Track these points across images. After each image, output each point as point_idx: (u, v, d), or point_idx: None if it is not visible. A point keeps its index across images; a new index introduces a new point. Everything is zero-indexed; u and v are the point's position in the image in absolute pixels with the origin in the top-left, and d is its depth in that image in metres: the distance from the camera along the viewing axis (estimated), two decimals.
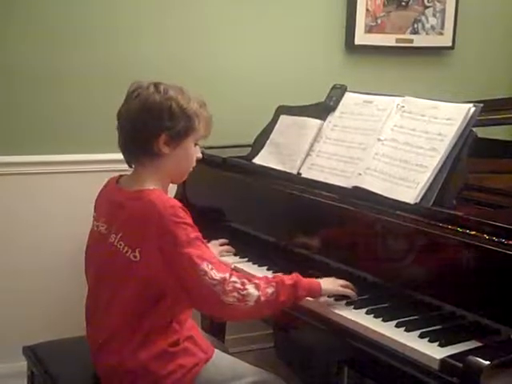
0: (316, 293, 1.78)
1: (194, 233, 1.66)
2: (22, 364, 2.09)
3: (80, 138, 2.74)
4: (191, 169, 1.85)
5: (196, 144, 1.81)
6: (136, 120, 1.72)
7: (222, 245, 2.24)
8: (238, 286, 1.65)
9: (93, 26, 2.70)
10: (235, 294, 1.64)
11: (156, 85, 1.74)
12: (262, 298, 1.67)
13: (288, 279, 1.75)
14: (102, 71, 2.73)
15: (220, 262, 1.71)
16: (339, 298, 1.81)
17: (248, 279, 1.70)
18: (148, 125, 1.71)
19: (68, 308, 2.39)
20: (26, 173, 2.68)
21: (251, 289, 1.67)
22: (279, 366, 2.87)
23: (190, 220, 1.68)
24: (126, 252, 1.67)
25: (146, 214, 1.65)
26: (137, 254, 1.66)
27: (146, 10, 2.78)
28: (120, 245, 1.69)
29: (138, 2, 2.76)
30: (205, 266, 1.62)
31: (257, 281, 1.71)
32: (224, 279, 1.64)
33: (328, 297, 1.81)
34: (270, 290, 1.70)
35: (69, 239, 2.67)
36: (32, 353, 2.02)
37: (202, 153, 2.41)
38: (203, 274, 1.62)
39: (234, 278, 1.66)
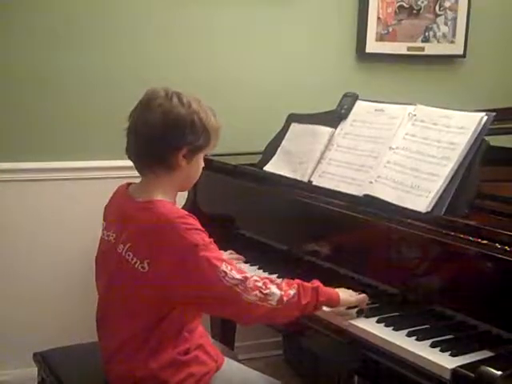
0: (335, 302, 1.77)
1: (208, 238, 1.66)
2: (33, 370, 2.09)
3: (81, 144, 2.73)
4: (197, 178, 1.85)
5: (205, 155, 1.80)
6: (158, 131, 1.68)
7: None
8: (260, 284, 1.65)
9: (95, 31, 2.70)
10: (257, 292, 1.63)
11: (179, 96, 1.71)
12: (285, 299, 1.66)
13: (308, 284, 1.75)
14: (104, 76, 2.72)
15: (236, 265, 1.71)
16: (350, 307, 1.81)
17: (270, 280, 1.69)
18: (171, 138, 1.68)
19: (79, 314, 2.40)
20: (28, 179, 2.68)
21: (273, 288, 1.66)
22: (288, 373, 2.87)
23: (200, 226, 1.67)
24: (135, 263, 1.66)
25: (156, 225, 1.64)
26: (145, 265, 1.65)
27: (151, 15, 2.78)
28: (128, 255, 1.68)
29: (142, 8, 2.76)
30: (224, 267, 1.62)
31: (278, 281, 1.71)
32: (245, 278, 1.63)
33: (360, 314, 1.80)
34: (291, 292, 1.69)
35: (80, 246, 2.67)
36: (42, 359, 2.02)
37: (213, 160, 2.45)
38: (223, 276, 1.61)
39: (255, 277, 1.66)
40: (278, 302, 1.66)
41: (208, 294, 1.64)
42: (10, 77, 2.62)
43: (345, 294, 1.79)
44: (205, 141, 1.73)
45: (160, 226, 1.63)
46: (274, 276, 2.05)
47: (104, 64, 2.72)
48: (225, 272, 1.61)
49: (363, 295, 1.82)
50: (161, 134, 1.68)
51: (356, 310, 1.79)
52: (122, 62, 2.74)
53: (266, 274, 2.08)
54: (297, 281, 1.75)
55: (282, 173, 2.28)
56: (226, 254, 2.21)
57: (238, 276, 1.63)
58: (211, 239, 1.67)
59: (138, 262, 1.66)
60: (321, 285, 1.76)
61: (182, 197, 2.48)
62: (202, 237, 1.63)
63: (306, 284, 1.74)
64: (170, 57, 2.81)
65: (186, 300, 1.67)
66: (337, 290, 1.80)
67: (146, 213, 1.68)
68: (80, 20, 2.67)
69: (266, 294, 1.64)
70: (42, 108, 2.68)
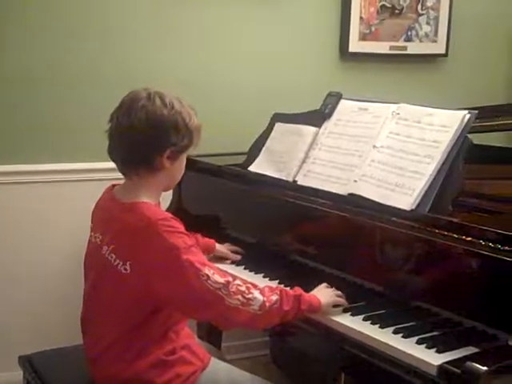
0: (316, 309, 1.77)
1: (190, 241, 1.66)
2: (18, 374, 2.08)
3: (76, 146, 2.73)
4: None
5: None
6: (142, 134, 1.67)
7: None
8: (243, 289, 1.65)
9: (89, 34, 2.70)
10: (239, 296, 1.63)
11: (161, 97, 1.70)
12: (267, 304, 1.67)
13: (291, 291, 1.75)
14: (97, 78, 2.72)
15: (220, 269, 1.70)
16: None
17: (253, 285, 1.70)
18: (155, 140, 1.68)
19: (64, 317, 2.38)
20: (21, 182, 2.67)
21: (256, 293, 1.67)
22: (275, 373, 2.87)
23: (183, 229, 1.67)
24: (118, 264, 1.66)
25: (138, 227, 1.64)
26: (127, 266, 1.64)
27: (141, 17, 2.77)
28: (111, 257, 1.68)
29: (134, 10, 2.76)
30: (206, 270, 1.62)
31: (261, 287, 1.71)
32: (228, 282, 1.63)
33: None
34: (274, 298, 1.69)
35: (65, 249, 2.66)
36: (28, 362, 2.01)
37: (197, 161, 2.45)
38: (206, 279, 1.61)
39: (238, 282, 1.66)
40: (260, 308, 1.66)
41: (190, 297, 1.64)
42: (4, 81, 2.61)
43: (325, 298, 1.79)
44: (188, 141, 1.73)
45: (142, 228, 1.63)
46: (260, 275, 2.06)
47: (92, 66, 2.71)
48: (207, 275, 1.61)
49: (338, 292, 1.83)
50: (145, 137, 1.67)
51: (337, 308, 1.80)
52: (111, 62, 2.74)
53: (252, 274, 2.08)
54: (279, 287, 1.76)
55: (266, 173, 2.28)
56: (224, 247, 2.25)
57: (221, 280, 1.63)
58: (194, 242, 1.68)
59: (121, 264, 1.65)
60: (303, 293, 1.77)
61: (167, 198, 2.49)
62: (183, 240, 1.63)
63: (288, 291, 1.75)
64: (157, 58, 2.80)
65: (167, 302, 1.67)
66: (316, 292, 1.81)
67: (130, 214, 1.67)
68: (71, 21, 2.67)
69: (249, 299, 1.65)
70: (29, 110, 2.66)
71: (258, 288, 1.69)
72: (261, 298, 1.67)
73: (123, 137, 1.70)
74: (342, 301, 1.81)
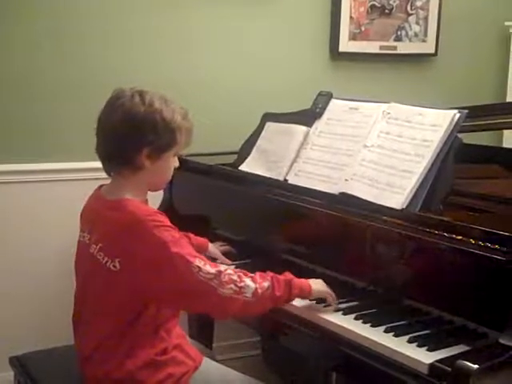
0: (307, 293, 1.79)
1: (177, 233, 1.66)
2: (9, 374, 2.07)
3: (69, 146, 2.72)
4: (170, 178, 1.83)
5: (175, 155, 1.78)
6: (119, 131, 1.67)
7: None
8: (235, 278, 1.66)
9: (82, 36, 2.69)
10: (232, 285, 1.64)
11: (141, 94, 1.69)
12: (259, 291, 1.68)
13: (281, 276, 1.76)
14: (91, 80, 2.71)
15: (210, 260, 1.71)
16: (320, 301, 1.83)
17: (244, 273, 1.71)
18: (131, 138, 1.67)
19: (56, 317, 2.37)
20: (11, 181, 2.66)
21: (248, 281, 1.67)
22: (267, 373, 2.87)
23: (169, 223, 1.67)
24: (106, 262, 1.66)
25: (125, 224, 1.64)
26: (116, 264, 1.64)
27: (139, 21, 2.78)
28: (100, 255, 1.68)
29: (131, 12, 2.76)
30: (197, 262, 1.62)
31: (252, 275, 1.71)
32: (219, 271, 1.64)
33: (317, 302, 1.82)
34: (266, 284, 1.70)
35: (57, 248, 2.65)
36: (19, 363, 2.00)
37: (188, 160, 2.44)
38: (197, 271, 1.61)
39: (229, 271, 1.67)
40: (252, 295, 1.67)
41: (183, 289, 1.64)
42: None
43: (316, 285, 1.81)
44: (169, 140, 1.71)
45: (129, 225, 1.63)
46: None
47: (86, 67, 2.72)
48: (199, 267, 1.62)
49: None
50: (121, 134, 1.67)
51: (334, 307, 1.80)
52: (103, 64, 2.74)
53: None
54: (270, 273, 1.76)
55: (257, 172, 2.29)
56: (216, 247, 2.25)
57: (213, 270, 1.63)
58: (181, 234, 1.68)
59: (110, 261, 1.66)
60: (294, 277, 1.78)
61: (158, 197, 2.49)
62: (171, 233, 1.63)
63: (279, 276, 1.75)
64: (151, 59, 2.81)
65: (160, 297, 1.67)
66: (309, 280, 1.82)
67: (116, 212, 1.67)
68: (63, 23, 2.67)
69: (241, 287, 1.65)
70: (22, 110, 2.66)
71: (249, 276, 1.70)
72: (253, 285, 1.67)
73: (103, 135, 1.72)
74: (333, 296, 1.82)
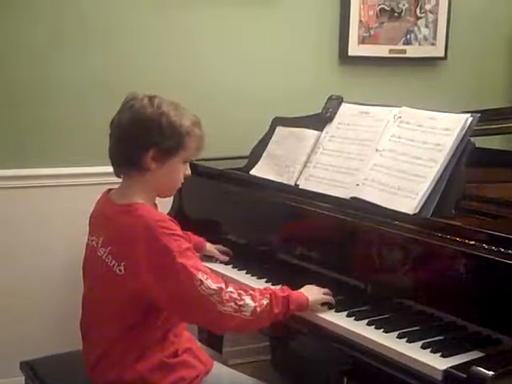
0: (304, 307, 1.80)
1: (186, 244, 1.66)
2: (20, 379, 2.07)
3: (73, 151, 2.72)
4: (179, 185, 1.82)
5: (185, 162, 1.78)
6: (125, 131, 1.70)
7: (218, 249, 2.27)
8: (235, 296, 1.66)
9: (88, 37, 2.69)
10: (232, 303, 1.65)
11: (151, 98, 1.72)
12: (258, 309, 1.68)
13: (280, 292, 1.77)
14: (95, 83, 2.71)
15: (213, 273, 1.71)
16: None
17: (244, 290, 1.71)
18: (136, 138, 1.69)
19: (66, 323, 2.37)
20: (18, 187, 2.66)
21: (248, 300, 1.68)
22: (276, 378, 2.86)
23: (180, 231, 1.67)
24: (113, 265, 1.66)
25: (133, 228, 1.64)
26: (121, 267, 1.65)
27: (142, 22, 2.77)
28: (108, 258, 1.68)
29: (134, 13, 2.75)
30: (200, 275, 1.62)
31: (252, 292, 1.72)
32: (221, 289, 1.64)
33: (328, 308, 1.83)
34: (265, 302, 1.71)
35: (67, 252, 2.65)
36: (29, 368, 2.01)
37: (198, 165, 2.44)
38: (199, 284, 1.61)
39: (230, 289, 1.67)
40: (251, 314, 1.68)
41: (182, 301, 1.64)
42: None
43: (312, 296, 1.82)
44: (176, 144, 1.71)
45: (138, 229, 1.63)
46: (262, 280, 2.06)
47: (91, 70, 2.71)
48: (201, 281, 1.62)
49: (326, 289, 1.86)
50: (128, 134, 1.70)
51: (346, 312, 1.79)
52: (110, 68, 2.73)
53: (254, 279, 2.08)
54: (269, 290, 1.77)
55: (268, 177, 2.28)
56: (213, 247, 2.26)
57: (214, 286, 1.63)
58: (189, 245, 1.68)
59: (116, 265, 1.66)
60: (291, 292, 1.79)
61: (168, 202, 2.48)
62: (178, 243, 1.63)
63: (277, 293, 1.76)
64: (156, 62, 2.80)
65: (159, 304, 1.68)
66: (303, 290, 1.83)
67: (126, 216, 1.68)
68: (69, 27, 2.66)
69: (241, 306, 1.66)
70: (29, 114, 2.66)
71: (249, 293, 1.70)
72: (252, 304, 1.68)
73: (113, 136, 1.74)
74: (329, 298, 1.84)
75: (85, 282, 1.84)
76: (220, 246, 2.29)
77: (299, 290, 1.83)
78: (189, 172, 1.81)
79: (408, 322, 1.69)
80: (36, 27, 2.62)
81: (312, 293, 1.83)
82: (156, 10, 2.79)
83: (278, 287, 1.83)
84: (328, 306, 1.83)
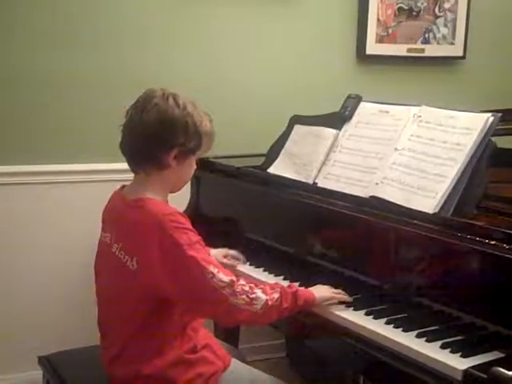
0: (311, 303, 1.81)
1: (196, 237, 1.67)
2: (38, 373, 2.09)
3: (80, 147, 2.72)
4: (189, 180, 1.87)
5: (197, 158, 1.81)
6: (152, 130, 1.69)
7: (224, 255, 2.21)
8: (247, 289, 1.67)
9: (98, 33, 2.70)
10: (244, 296, 1.66)
11: (175, 97, 1.72)
12: (269, 303, 1.70)
13: (288, 287, 1.79)
14: (105, 79, 2.72)
15: (224, 267, 1.71)
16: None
17: (255, 284, 1.72)
18: (163, 138, 1.70)
19: (83, 317, 2.38)
20: (27, 182, 2.67)
21: (259, 293, 1.69)
22: (291, 375, 2.86)
23: (190, 225, 1.68)
24: (126, 261, 1.68)
25: (144, 222, 1.65)
26: (134, 262, 1.66)
27: (159, 19, 2.78)
28: (121, 254, 1.69)
29: (145, 11, 2.76)
30: (211, 268, 1.63)
31: (262, 286, 1.73)
32: (233, 281, 1.65)
33: (346, 306, 1.82)
34: (275, 296, 1.72)
35: (82, 248, 2.65)
36: (47, 362, 2.02)
37: (216, 163, 2.44)
38: (211, 277, 1.62)
39: (242, 282, 1.68)
40: (262, 307, 1.69)
41: (195, 294, 1.65)
42: (8, 79, 2.61)
43: (320, 293, 1.83)
44: (197, 144, 1.74)
45: (148, 223, 1.64)
46: (280, 278, 2.06)
47: (102, 66, 2.71)
48: (212, 273, 1.63)
49: (336, 290, 1.86)
50: (154, 133, 1.69)
51: (364, 311, 1.79)
52: (121, 64, 2.74)
53: (271, 276, 2.08)
54: (279, 284, 1.79)
55: (286, 175, 2.28)
56: (220, 254, 2.20)
57: (226, 279, 1.64)
58: (199, 238, 1.68)
59: (129, 260, 1.67)
60: (299, 288, 1.81)
61: (184, 199, 2.49)
62: (188, 236, 1.64)
63: (286, 288, 1.78)
64: (170, 59, 2.81)
65: (172, 298, 1.68)
66: (312, 288, 1.85)
67: (136, 210, 1.69)
68: (79, 22, 2.67)
69: (253, 299, 1.67)
70: (40, 110, 2.67)
71: (260, 287, 1.72)
72: (264, 297, 1.69)
73: (134, 132, 1.73)
74: (339, 296, 1.84)
75: (98, 278, 1.85)
76: (225, 250, 2.23)
77: (307, 288, 1.85)
78: (195, 167, 1.84)
79: (427, 322, 1.69)
80: (49, 24, 2.63)
81: (319, 290, 1.85)
82: (174, 7, 2.80)
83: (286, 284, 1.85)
84: (345, 304, 1.84)
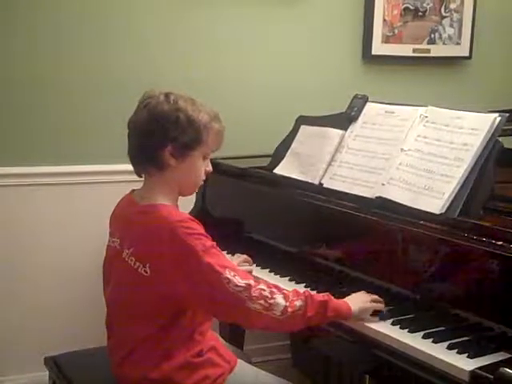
0: (345, 316, 1.73)
1: (209, 242, 1.65)
2: (44, 374, 2.09)
3: (86, 148, 2.72)
4: (201, 182, 1.81)
5: (205, 158, 1.77)
6: (143, 129, 1.69)
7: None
8: (266, 294, 1.63)
9: (101, 34, 2.70)
10: (262, 301, 1.62)
11: (167, 94, 1.71)
12: (289, 310, 1.64)
13: (318, 296, 1.72)
14: (107, 80, 2.72)
15: (241, 270, 1.70)
16: None
17: (278, 289, 1.67)
18: (154, 134, 1.68)
19: (89, 318, 2.39)
20: (32, 184, 2.68)
21: (279, 298, 1.64)
22: (297, 377, 2.86)
23: (202, 230, 1.66)
24: (138, 268, 1.66)
25: (156, 229, 1.64)
26: (147, 269, 1.65)
27: (156, 19, 2.77)
28: (131, 260, 1.68)
29: (146, 12, 2.75)
30: (227, 273, 1.61)
31: (286, 291, 1.68)
32: (249, 285, 1.62)
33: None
34: (298, 303, 1.66)
35: (90, 250, 2.66)
36: (54, 363, 2.02)
37: (221, 163, 2.44)
38: (227, 282, 1.60)
39: (262, 286, 1.64)
40: (281, 313, 1.64)
41: (211, 299, 1.64)
42: (10, 80, 2.61)
43: (356, 305, 1.74)
44: (194, 139, 1.70)
45: (160, 230, 1.63)
46: (285, 279, 2.05)
47: (104, 67, 2.72)
48: (228, 279, 1.60)
49: (375, 296, 1.79)
50: (146, 130, 1.69)
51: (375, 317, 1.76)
52: (122, 65, 2.74)
53: (277, 277, 2.07)
54: (306, 292, 1.73)
55: (292, 175, 2.27)
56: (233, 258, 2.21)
57: (242, 283, 1.61)
58: (213, 243, 1.66)
59: (141, 266, 1.66)
60: (331, 298, 1.73)
61: (190, 201, 2.49)
62: (202, 242, 1.62)
63: (315, 296, 1.71)
64: (173, 60, 2.81)
65: (190, 304, 1.67)
66: (349, 298, 1.77)
67: (147, 216, 1.68)
68: (81, 23, 2.67)
69: (271, 304, 1.63)
70: (45, 112, 2.67)
71: (282, 292, 1.67)
72: (283, 303, 1.64)
73: (131, 135, 1.74)
74: (379, 306, 1.77)
75: (107, 282, 1.83)
76: (238, 256, 2.21)
77: (345, 299, 1.76)
78: (210, 168, 1.81)
79: (433, 323, 1.68)
80: (50, 24, 2.63)
81: (357, 302, 1.76)
82: (176, 9, 2.80)
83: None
84: (382, 314, 1.75)
